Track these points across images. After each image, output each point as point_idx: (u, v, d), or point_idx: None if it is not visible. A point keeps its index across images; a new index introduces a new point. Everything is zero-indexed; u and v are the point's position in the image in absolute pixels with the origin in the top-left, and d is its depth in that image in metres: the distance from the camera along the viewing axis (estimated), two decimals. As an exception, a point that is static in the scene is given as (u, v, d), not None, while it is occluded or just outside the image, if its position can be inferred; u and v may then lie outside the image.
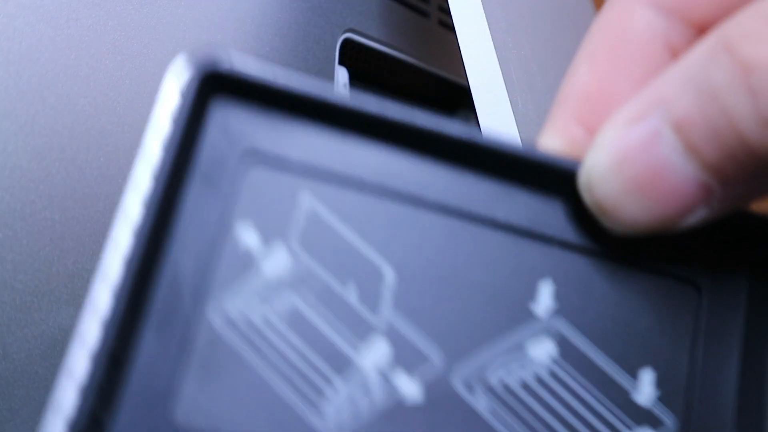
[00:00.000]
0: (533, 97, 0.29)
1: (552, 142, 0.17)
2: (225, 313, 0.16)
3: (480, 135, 0.17)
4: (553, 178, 0.17)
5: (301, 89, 0.16)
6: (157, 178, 0.15)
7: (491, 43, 0.27)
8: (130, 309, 0.15)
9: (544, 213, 0.17)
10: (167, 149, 0.16)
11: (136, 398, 0.15)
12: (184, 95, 0.16)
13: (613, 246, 0.17)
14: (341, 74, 0.33)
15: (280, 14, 0.30)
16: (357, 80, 0.36)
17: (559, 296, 0.17)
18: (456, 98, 0.45)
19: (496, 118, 0.26)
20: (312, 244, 0.17)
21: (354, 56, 0.36)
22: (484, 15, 0.27)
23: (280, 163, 0.17)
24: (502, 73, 0.26)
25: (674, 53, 0.17)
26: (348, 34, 0.34)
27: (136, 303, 0.15)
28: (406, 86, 0.41)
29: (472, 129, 0.17)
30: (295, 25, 0.30)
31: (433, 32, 0.41)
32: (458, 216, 0.17)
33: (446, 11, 0.41)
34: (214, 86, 0.16)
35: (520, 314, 0.17)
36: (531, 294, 0.17)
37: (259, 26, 0.29)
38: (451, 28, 0.30)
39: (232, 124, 0.17)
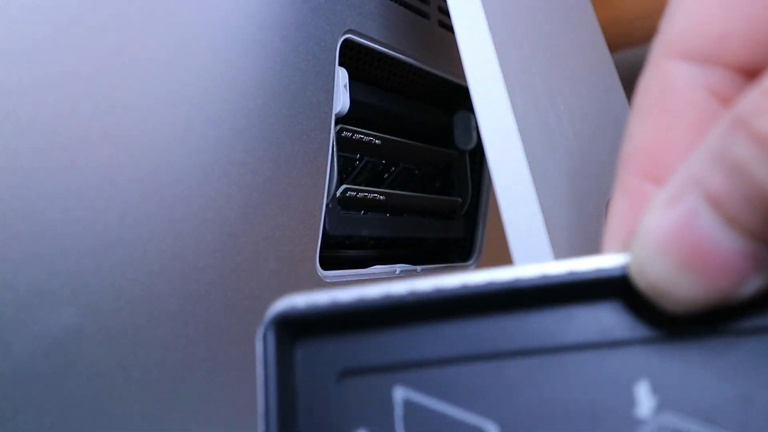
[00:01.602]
0: (533, 97, 0.29)
1: (622, 204, 0.18)
2: None
3: (524, 276, 0.18)
4: (604, 286, 0.18)
5: (363, 304, 0.18)
6: (267, 419, 0.18)
7: (491, 43, 0.27)
8: None
9: (610, 320, 0.18)
10: (266, 395, 0.18)
11: None
12: (264, 343, 0.19)
13: (695, 322, 0.17)
14: (341, 75, 0.33)
15: (281, 15, 0.30)
16: (357, 81, 0.36)
17: (658, 392, 0.17)
18: (456, 98, 0.45)
19: (496, 119, 0.26)
20: (417, 429, 0.18)
21: (354, 57, 0.36)
22: (483, 15, 0.27)
23: (367, 370, 0.19)
24: (502, 73, 0.26)
25: (718, 97, 0.17)
26: (348, 35, 0.34)
27: None
28: (406, 86, 0.41)
29: (517, 273, 0.18)
30: (296, 26, 0.30)
31: (433, 33, 0.41)
32: (534, 355, 0.18)
33: (446, 12, 0.41)
34: (288, 327, 0.19)
35: (628, 424, 0.17)
36: (630, 401, 0.17)
37: (259, 27, 0.29)
38: (451, 29, 0.30)
39: (317, 353, 0.19)
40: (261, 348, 0.19)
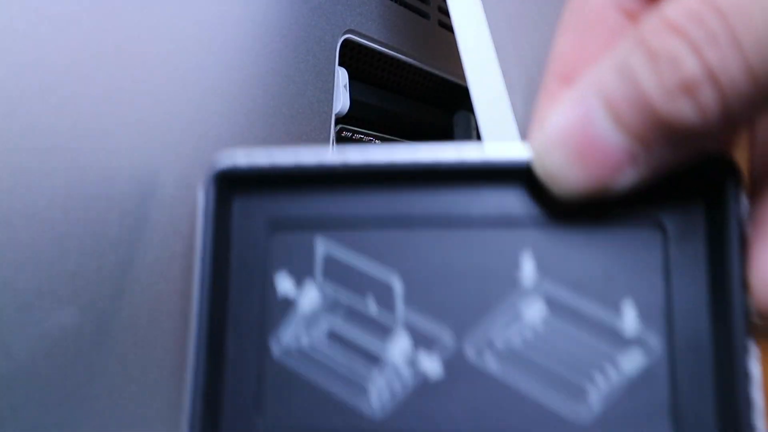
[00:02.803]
0: (533, 97, 0.29)
1: (544, 103, 0.21)
2: (281, 345, 0.22)
3: (445, 156, 0.21)
4: (511, 172, 0.20)
5: (298, 168, 0.21)
6: (203, 261, 0.21)
7: (491, 43, 0.27)
8: (212, 362, 0.21)
9: (510, 201, 0.21)
10: (203, 241, 0.21)
11: (230, 419, 0.22)
12: (206, 194, 0.21)
13: (578, 211, 0.21)
14: (341, 75, 0.33)
15: (281, 15, 0.30)
16: (357, 81, 0.36)
17: (540, 265, 0.21)
18: (456, 98, 0.45)
19: (496, 119, 0.26)
20: (333, 276, 0.22)
21: (354, 57, 0.36)
22: (483, 15, 0.27)
23: (295, 223, 0.22)
24: (502, 73, 0.26)
25: (627, 14, 0.21)
26: (348, 35, 0.34)
27: (215, 356, 0.21)
28: (406, 86, 0.41)
29: (439, 151, 0.21)
30: (296, 26, 0.30)
31: (433, 32, 0.41)
32: (442, 224, 0.21)
33: (446, 12, 0.41)
34: (229, 182, 0.21)
35: (511, 286, 0.21)
36: (516, 267, 0.21)
37: (259, 27, 0.29)
38: (451, 29, 0.30)
39: (252, 206, 0.22)
40: (203, 198, 0.21)
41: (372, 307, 0.21)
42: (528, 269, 0.21)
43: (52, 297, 0.22)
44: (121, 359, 0.24)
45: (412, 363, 0.21)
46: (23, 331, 0.21)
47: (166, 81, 0.25)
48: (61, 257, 0.22)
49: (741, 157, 0.20)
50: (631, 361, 0.20)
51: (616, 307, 0.21)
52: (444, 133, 0.45)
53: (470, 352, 0.21)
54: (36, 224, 0.21)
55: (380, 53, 0.36)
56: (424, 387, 0.21)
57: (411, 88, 0.42)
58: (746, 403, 0.19)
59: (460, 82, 0.43)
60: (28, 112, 0.21)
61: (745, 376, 0.19)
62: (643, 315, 0.20)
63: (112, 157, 0.23)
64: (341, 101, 0.33)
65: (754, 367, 0.19)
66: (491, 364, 0.21)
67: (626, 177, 0.19)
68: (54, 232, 0.21)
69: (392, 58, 0.37)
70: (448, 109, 0.45)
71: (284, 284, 0.22)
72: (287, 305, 0.22)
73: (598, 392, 0.20)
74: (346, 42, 0.34)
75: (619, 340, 0.20)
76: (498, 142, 0.22)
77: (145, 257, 0.24)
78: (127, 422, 0.25)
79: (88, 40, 0.22)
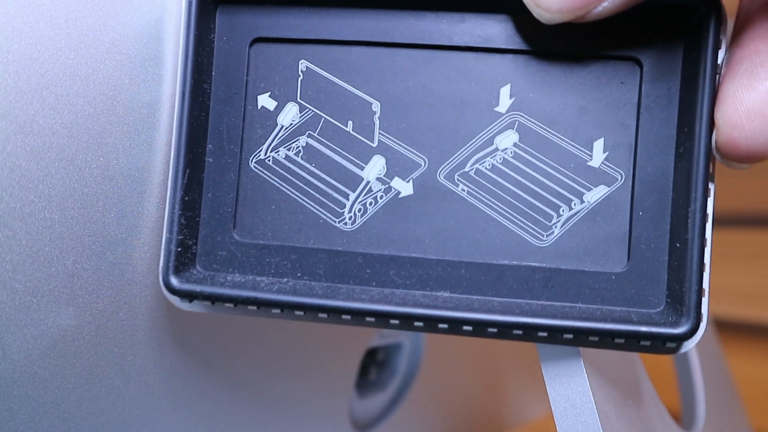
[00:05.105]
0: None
1: None
2: (259, 158, 0.23)
3: None
4: None
5: None
6: (184, 70, 0.22)
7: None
8: (191, 171, 0.22)
9: (493, 30, 0.22)
10: (186, 48, 0.22)
11: (207, 227, 0.23)
12: (188, 5, 0.22)
13: (558, 44, 0.21)
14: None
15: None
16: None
17: (515, 95, 0.21)
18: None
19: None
20: (313, 96, 0.22)
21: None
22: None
23: (278, 42, 0.22)
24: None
25: None
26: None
27: (194, 166, 0.22)
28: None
29: None
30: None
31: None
32: (423, 49, 0.22)
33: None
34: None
35: (487, 117, 0.22)
36: (494, 98, 0.22)
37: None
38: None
39: (236, 21, 0.23)
40: (185, 8, 0.22)
41: (350, 129, 0.22)
42: (505, 100, 0.21)
43: (50, 298, 0.21)
44: (119, 360, 0.24)
45: (385, 183, 0.22)
46: (21, 332, 0.21)
47: (165, 79, 0.25)
48: (60, 257, 0.22)
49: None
50: (596, 194, 0.21)
51: (586, 142, 0.21)
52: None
53: (442, 176, 0.22)
54: (34, 224, 0.21)
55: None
56: (394, 203, 0.22)
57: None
58: (698, 239, 0.20)
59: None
60: (26, 112, 0.21)
61: (700, 214, 0.20)
62: (612, 151, 0.21)
63: (111, 157, 0.23)
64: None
65: (709, 207, 0.20)
66: (461, 186, 0.22)
67: (607, 2, 0.19)
68: (52, 232, 0.21)
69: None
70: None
71: (265, 100, 0.22)
72: (267, 120, 0.23)
73: (560, 219, 0.22)
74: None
75: (586, 174, 0.21)
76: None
77: (144, 257, 0.24)
78: (126, 423, 0.25)
79: (87, 38, 0.22)
